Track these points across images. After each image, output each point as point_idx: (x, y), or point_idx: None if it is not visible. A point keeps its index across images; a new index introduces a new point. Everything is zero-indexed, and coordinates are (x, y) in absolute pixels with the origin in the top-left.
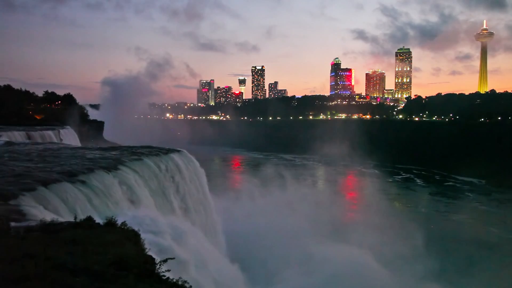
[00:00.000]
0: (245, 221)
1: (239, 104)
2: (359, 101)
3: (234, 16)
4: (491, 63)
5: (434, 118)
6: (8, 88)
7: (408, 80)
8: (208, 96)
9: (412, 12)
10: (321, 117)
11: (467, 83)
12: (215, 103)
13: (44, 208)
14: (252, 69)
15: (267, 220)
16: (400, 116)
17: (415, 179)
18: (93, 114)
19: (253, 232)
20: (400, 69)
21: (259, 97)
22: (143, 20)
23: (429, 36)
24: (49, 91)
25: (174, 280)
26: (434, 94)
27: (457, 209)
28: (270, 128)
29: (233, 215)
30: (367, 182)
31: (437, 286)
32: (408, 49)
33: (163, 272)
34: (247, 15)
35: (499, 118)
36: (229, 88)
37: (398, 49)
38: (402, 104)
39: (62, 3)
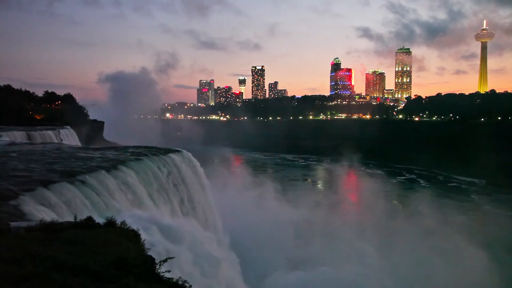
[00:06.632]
0: (245, 219)
1: (239, 104)
2: (359, 101)
3: (237, 13)
4: (496, 62)
5: (434, 118)
6: (8, 88)
7: (408, 80)
8: (208, 96)
9: (419, 9)
10: (321, 117)
11: (470, 83)
12: (215, 103)
13: (44, 208)
14: (252, 69)
15: (269, 217)
16: (400, 116)
17: (419, 179)
18: (101, 112)
19: (254, 230)
20: (400, 69)
21: (259, 97)
22: (142, 17)
23: (436, 34)
24: (49, 91)
25: (174, 280)
26: (434, 94)
27: (470, 212)
28: (270, 128)
29: (234, 213)
30: (371, 183)
31: None
32: (408, 49)
33: (163, 272)
34: (250, 12)
35: (499, 118)
36: (229, 88)
37: (398, 49)
38: (402, 104)
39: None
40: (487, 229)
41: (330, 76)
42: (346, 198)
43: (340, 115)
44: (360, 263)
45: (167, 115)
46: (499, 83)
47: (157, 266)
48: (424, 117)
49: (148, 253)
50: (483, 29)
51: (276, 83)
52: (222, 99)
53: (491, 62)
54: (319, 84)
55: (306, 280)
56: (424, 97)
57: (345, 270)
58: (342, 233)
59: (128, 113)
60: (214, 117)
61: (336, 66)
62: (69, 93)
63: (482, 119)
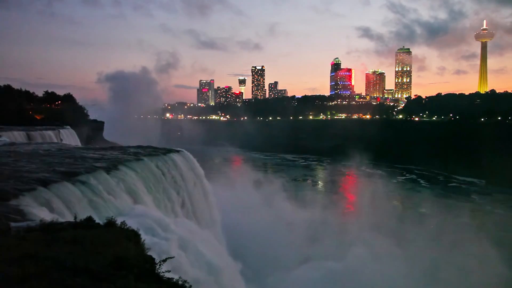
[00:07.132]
0: (244, 218)
1: (239, 104)
2: (359, 101)
3: (237, 13)
4: (496, 62)
5: (434, 118)
6: (8, 88)
7: (408, 80)
8: (208, 96)
9: (420, 9)
10: (321, 117)
11: (470, 83)
12: (215, 103)
13: (44, 208)
14: (252, 69)
15: (270, 218)
16: (400, 116)
17: (419, 180)
18: (101, 112)
19: (257, 231)
20: (400, 69)
21: (259, 97)
22: (142, 17)
23: (436, 34)
24: (49, 91)
25: (174, 280)
26: (434, 94)
27: (471, 212)
28: (270, 128)
29: (233, 212)
30: (372, 183)
31: None
32: (408, 49)
33: (163, 272)
34: (250, 12)
35: (499, 118)
36: (229, 88)
37: (399, 49)
38: (402, 104)
39: None
40: (489, 229)
41: (330, 76)
42: (348, 198)
43: (340, 115)
44: (369, 260)
45: (167, 115)
46: (499, 83)
47: (157, 266)
48: (424, 117)
49: (148, 253)
50: (483, 29)
51: (276, 83)
52: (222, 99)
53: (491, 62)
54: (319, 84)
55: (314, 275)
56: (424, 97)
57: (353, 264)
58: (347, 233)
59: (128, 113)
60: (214, 117)
61: (336, 66)
62: (69, 93)
63: (482, 119)
